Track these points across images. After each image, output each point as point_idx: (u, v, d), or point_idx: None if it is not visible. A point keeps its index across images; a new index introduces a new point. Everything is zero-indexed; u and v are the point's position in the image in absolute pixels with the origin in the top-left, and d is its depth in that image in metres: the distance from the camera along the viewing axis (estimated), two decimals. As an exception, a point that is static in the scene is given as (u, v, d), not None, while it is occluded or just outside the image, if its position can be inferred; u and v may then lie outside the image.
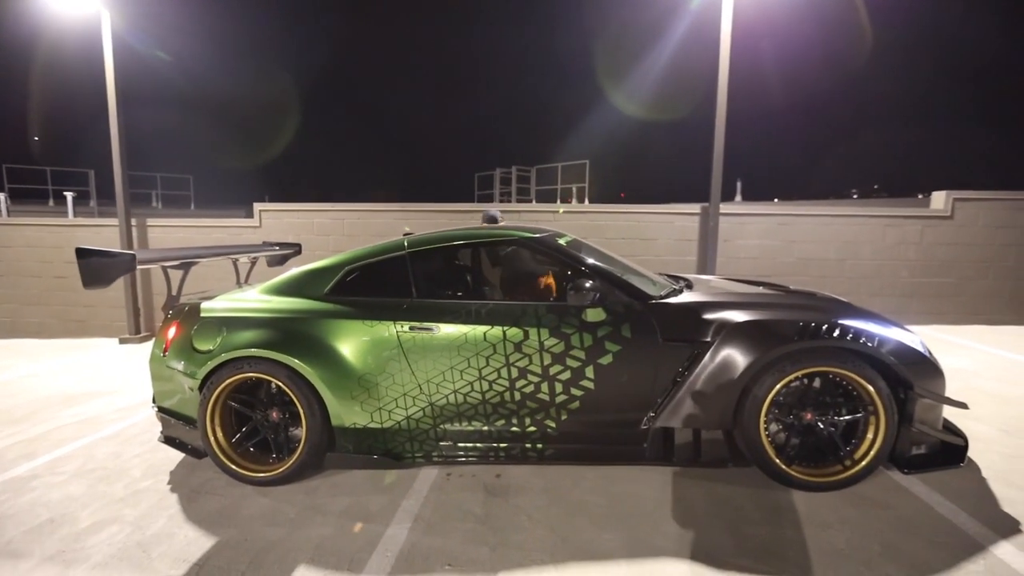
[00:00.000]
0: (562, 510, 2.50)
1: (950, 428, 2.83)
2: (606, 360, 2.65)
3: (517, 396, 2.70)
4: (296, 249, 4.42)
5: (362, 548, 2.25)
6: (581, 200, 13.05)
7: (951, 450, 2.70)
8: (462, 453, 2.82)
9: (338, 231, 6.78)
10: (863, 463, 2.55)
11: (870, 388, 2.51)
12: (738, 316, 2.64)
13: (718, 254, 6.40)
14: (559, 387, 2.68)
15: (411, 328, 2.71)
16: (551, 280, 3.14)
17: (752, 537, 2.27)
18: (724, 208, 6.41)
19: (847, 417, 2.60)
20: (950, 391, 2.71)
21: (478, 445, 2.79)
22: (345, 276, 2.89)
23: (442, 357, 2.69)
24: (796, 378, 2.57)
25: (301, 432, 2.75)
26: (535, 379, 2.68)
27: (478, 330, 2.68)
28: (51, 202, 16.88)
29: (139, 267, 2.78)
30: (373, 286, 2.88)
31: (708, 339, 2.60)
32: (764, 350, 2.52)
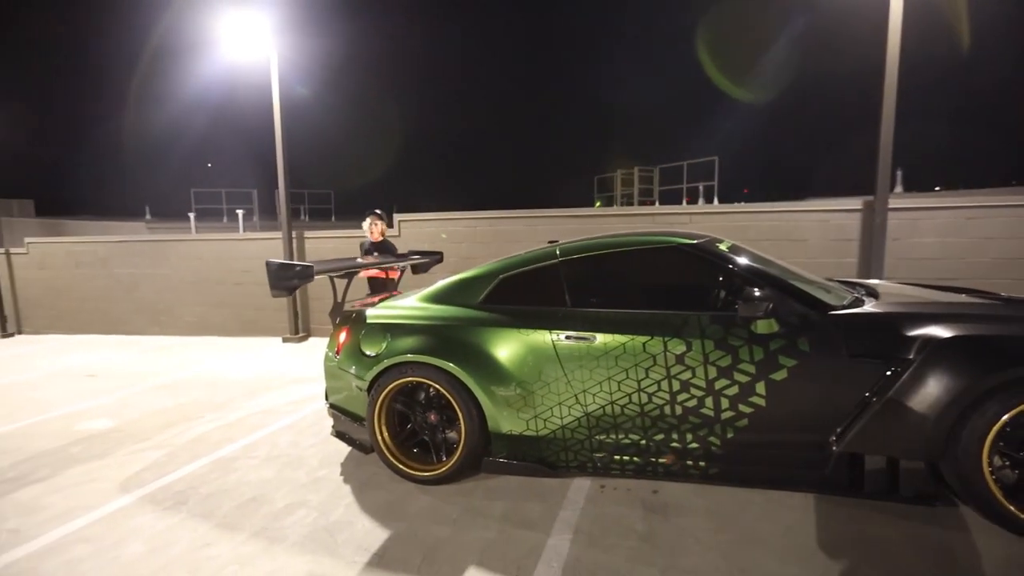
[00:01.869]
0: (734, 537, 2.32)
1: None
2: (780, 376, 2.41)
3: (678, 410, 2.57)
4: (439, 257, 4.63)
5: (526, 555, 2.26)
6: (709, 199, 12.31)
7: None
8: (617, 466, 2.74)
9: (471, 239, 7.05)
10: None
11: None
12: (947, 330, 2.26)
13: (888, 255, 5.64)
14: (725, 403, 2.50)
15: (567, 337, 2.69)
16: (712, 288, 2.95)
17: (980, 593, 1.92)
18: (893, 202, 5.64)
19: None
20: None
21: (635, 459, 2.70)
22: (499, 285, 2.96)
23: (599, 367, 2.64)
24: (1030, 406, 2.14)
25: (459, 435, 2.85)
26: (698, 393, 2.52)
27: (637, 340, 2.58)
28: (225, 219, 19.67)
29: (316, 276, 3.07)
30: (526, 294, 2.91)
31: (909, 356, 2.26)
32: (985, 372, 2.13)
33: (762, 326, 2.45)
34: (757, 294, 2.42)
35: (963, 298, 2.86)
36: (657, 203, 13.75)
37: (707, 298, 2.90)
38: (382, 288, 4.87)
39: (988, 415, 2.14)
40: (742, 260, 2.71)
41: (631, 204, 14.58)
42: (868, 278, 5.60)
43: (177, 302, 8.54)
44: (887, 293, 2.88)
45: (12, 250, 9.65)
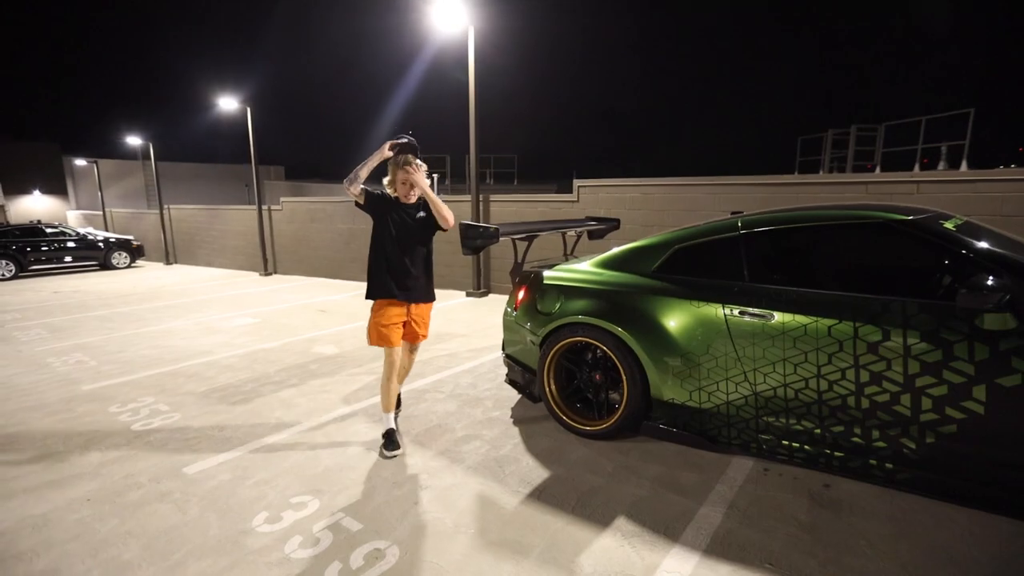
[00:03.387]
0: (917, 549, 2.09)
1: None
2: (1010, 381, 2.04)
3: (865, 403, 2.34)
4: (615, 224, 4.68)
5: (676, 518, 2.33)
6: (956, 164, 10.02)
7: None
8: (784, 451, 2.61)
9: (647, 206, 6.92)
10: None
11: None
12: None
13: None
14: (928, 403, 2.20)
15: (742, 313, 2.60)
16: (931, 272, 2.55)
17: None
18: None
19: None
20: None
21: (806, 447, 2.54)
22: (674, 255, 2.95)
23: (774, 347, 2.51)
24: None
25: (621, 396, 2.97)
26: (893, 388, 2.26)
27: (822, 323, 2.39)
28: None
29: (501, 238, 3.39)
30: (702, 266, 2.86)
31: None
32: None
33: (991, 320, 2.07)
34: (989, 282, 2.05)
35: None
36: (878, 168, 11.61)
37: (922, 283, 2.52)
38: None
39: None
40: (973, 241, 2.30)
41: (844, 170, 12.57)
42: None
43: (384, 254, 9.98)
44: None
45: (272, 207, 12.16)
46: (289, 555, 2.16)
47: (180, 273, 13.18)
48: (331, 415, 3.64)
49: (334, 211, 10.85)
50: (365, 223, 10.13)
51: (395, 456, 2.99)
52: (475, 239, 3.39)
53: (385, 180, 3.05)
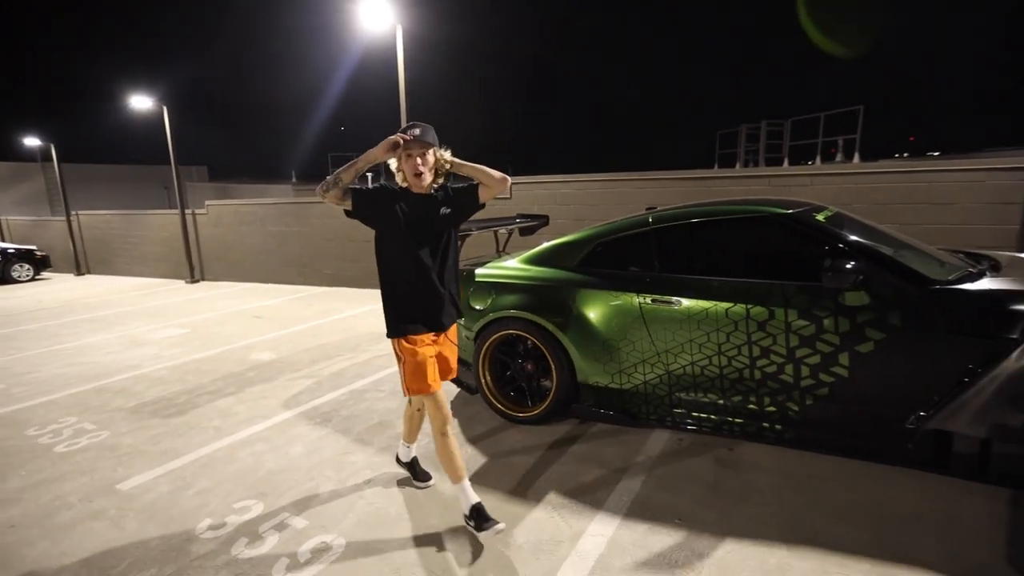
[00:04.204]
0: (800, 496, 2.44)
1: None
2: (866, 348, 2.43)
3: (757, 374, 2.68)
4: (544, 220, 4.91)
5: (601, 488, 2.59)
6: (849, 156, 11.08)
7: None
8: (694, 422, 2.93)
9: (579, 201, 7.23)
10: None
11: None
12: (1065, 310, 2.12)
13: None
14: (806, 370, 2.57)
15: (653, 300, 2.89)
16: (805, 258, 2.93)
17: (1058, 575, 1.90)
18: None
19: None
20: None
21: (712, 416, 2.87)
22: (595, 249, 3.20)
23: (682, 330, 2.82)
24: None
25: (551, 383, 3.21)
26: (778, 360, 2.61)
27: (720, 306, 2.71)
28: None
29: (476, 232, 3.48)
30: (619, 259, 3.13)
31: (1015, 336, 2.17)
32: (1104, 356, 1.99)
33: (851, 298, 2.45)
34: (848, 266, 2.42)
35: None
36: (786, 161, 12.63)
37: (799, 268, 2.90)
38: None
39: (1101, 402, 2.01)
40: (836, 230, 2.68)
41: (756, 163, 13.54)
42: (1025, 248, 4.94)
43: (316, 257, 9.82)
44: (1011, 267, 2.67)
45: (196, 211, 11.62)
46: (236, 556, 2.24)
47: (95, 284, 12.34)
48: (272, 420, 3.67)
49: (265, 214, 10.53)
50: (299, 224, 9.92)
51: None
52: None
53: (392, 164, 2.27)
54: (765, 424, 2.74)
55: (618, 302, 3.00)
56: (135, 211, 13.39)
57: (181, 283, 11.52)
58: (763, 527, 2.24)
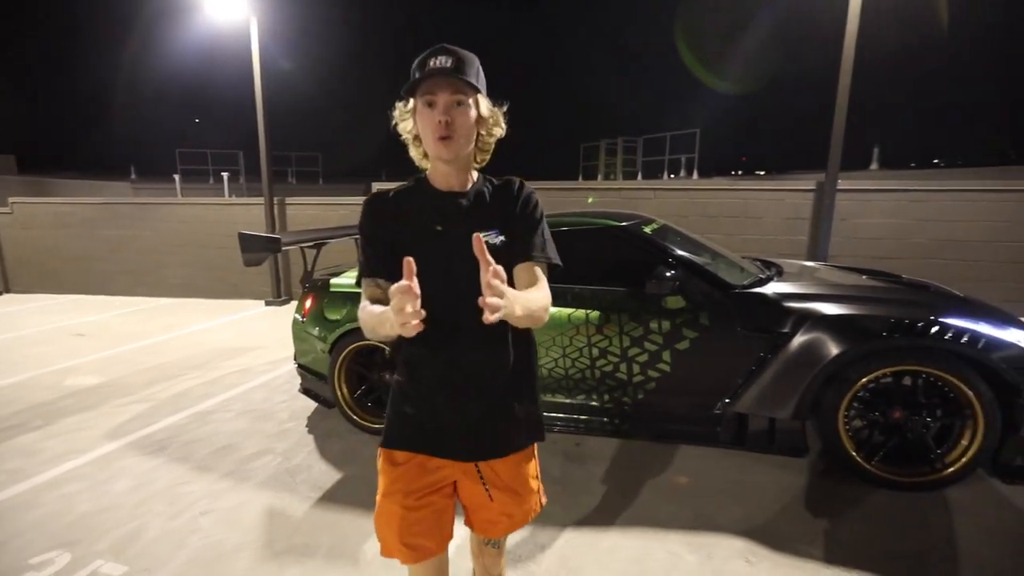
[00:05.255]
0: (635, 482, 2.72)
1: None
2: (683, 345, 2.77)
3: (597, 374, 2.93)
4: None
5: (456, 494, 2.65)
6: (690, 172, 12.53)
7: (1068, 463, 2.50)
8: (545, 422, 3.12)
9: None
10: (953, 468, 2.46)
11: (969, 392, 2.40)
12: (821, 309, 2.62)
13: (836, 235, 5.97)
14: (636, 368, 2.86)
15: (502, 308, 3.03)
16: (636, 267, 3.27)
17: (816, 525, 2.34)
18: (844, 183, 5.94)
19: (941, 419, 2.51)
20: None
21: (560, 415, 3.08)
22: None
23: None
24: (884, 375, 2.52)
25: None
26: (614, 359, 2.89)
27: (563, 312, 2.92)
28: (211, 180, 19.61)
29: (283, 248, 3.36)
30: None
31: (787, 330, 2.62)
32: (845, 346, 2.50)
33: (671, 302, 2.79)
34: (667, 274, 2.75)
35: (862, 280, 3.22)
36: (640, 175, 13.96)
37: (630, 276, 3.23)
38: None
39: (847, 382, 2.51)
40: (660, 242, 3.04)
41: (615, 175, 14.73)
42: (816, 255, 5.97)
43: (162, 264, 8.78)
44: (789, 273, 3.22)
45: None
46: (32, 616, 1.95)
47: None
48: (92, 455, 3.22)
49: (94, 215, 9.16)
50: (138, 229, 8.79)
51: None
52: (254, 251, 3.31)
53: (405, 130, 1.27)
54: (605, 419, 3.00)
55: (473, 310, 3.09)
56: (-91, 210, 10.90)
57: (-23, 297, 9.61)
58: (600, 514, 2.46)
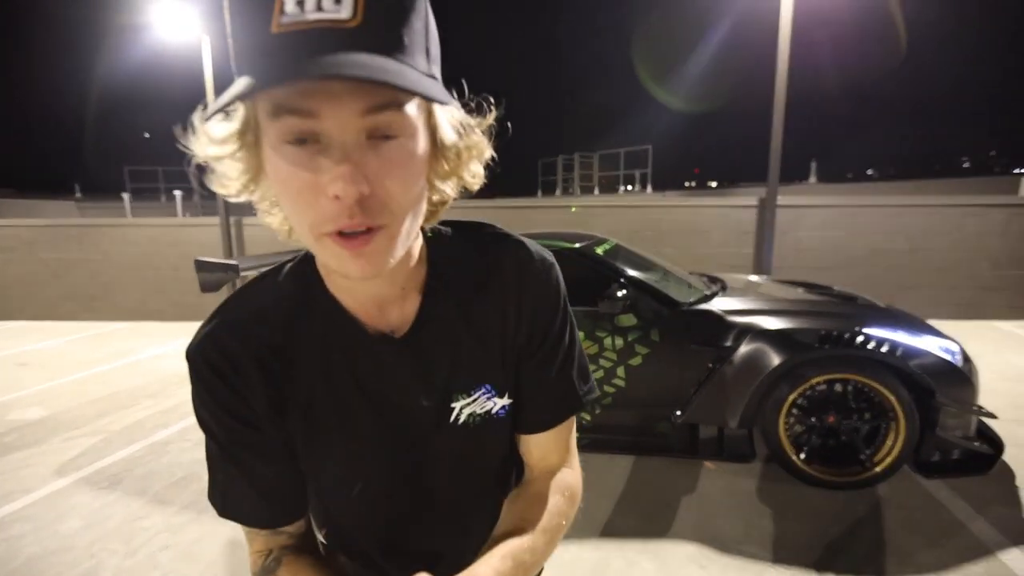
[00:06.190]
0: (592, 492, 2.83)
1: (987, 436, 2.86)
2: (636, 361, 2.92)
3: (555, 391, 3.04)
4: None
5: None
6: (644, 186, 12.96)
7: (979, 458, 2.75)
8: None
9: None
10: (881, 466, 2.68)
11: (891, 396, 2.62)
12: (759, 323, 2.82)
13: (778, 247, 6.33)
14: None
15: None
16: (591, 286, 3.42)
17: (761, 527, 2.50)
18: (783, 199, 6.31)
19: (869, 421, 2.73)
20: None
21: (521, 433, 3.17)
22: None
23: (489, 356, 3.07)
24: (818, 383, 2.73)
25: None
26: (571, 377, 3.00)
27: (520, 333, 3.03)
28: (163, 198, 18.96)
29: (242, 274, 3.35)
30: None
31: (730, 344, 2.81)
32: (782, 357, 2.70)
33: (624, 319, 2.94)
34: (619, 294, 2.90)
35: (798, 293, 3.46)
36: (597, 189, 14.33)
37: (586, 295, 3.37)
38: None
39: (784, 391, 2.71)
40: (612, 262, 3.19)
41: (573, 190, 15.09)
42: (761, 267, 6.30)
43: (112, 288, 8.46)
44: (733, 288, 3.44)
45: (-73, 234, 9.21)
46: (-19, 666, 1.89)
47: None
48: (39, 493, 3.11)
49: (35, 237, 8.75)
50: (86, 252, 8.45)
51: None
52: (212, 279, 3.29)
53: (232, 173, 0.54)
54: (564, 434, 3.11)
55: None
56: None
57: (-96, 328, 9.00)
58: (560, 527, 2.56)
